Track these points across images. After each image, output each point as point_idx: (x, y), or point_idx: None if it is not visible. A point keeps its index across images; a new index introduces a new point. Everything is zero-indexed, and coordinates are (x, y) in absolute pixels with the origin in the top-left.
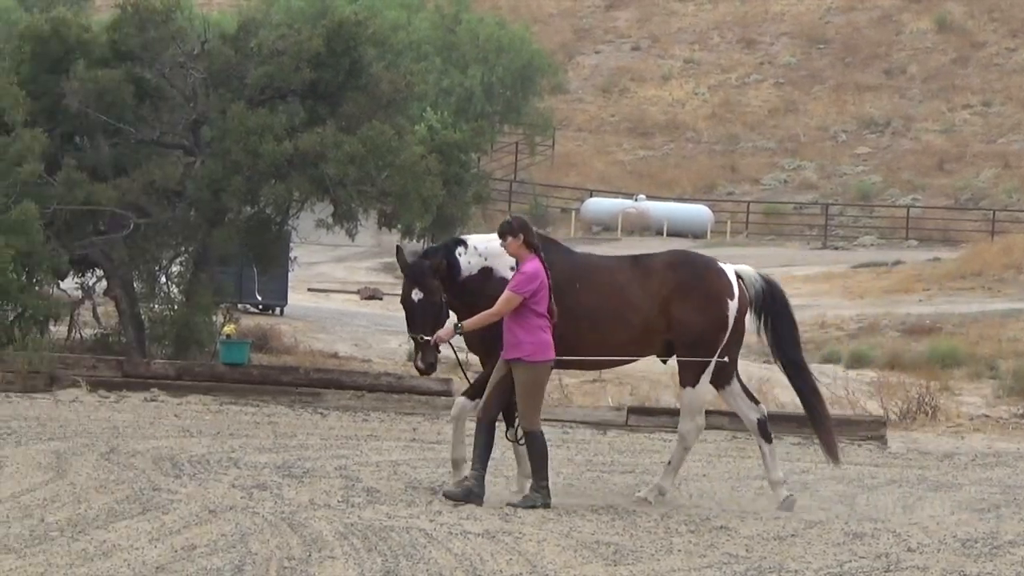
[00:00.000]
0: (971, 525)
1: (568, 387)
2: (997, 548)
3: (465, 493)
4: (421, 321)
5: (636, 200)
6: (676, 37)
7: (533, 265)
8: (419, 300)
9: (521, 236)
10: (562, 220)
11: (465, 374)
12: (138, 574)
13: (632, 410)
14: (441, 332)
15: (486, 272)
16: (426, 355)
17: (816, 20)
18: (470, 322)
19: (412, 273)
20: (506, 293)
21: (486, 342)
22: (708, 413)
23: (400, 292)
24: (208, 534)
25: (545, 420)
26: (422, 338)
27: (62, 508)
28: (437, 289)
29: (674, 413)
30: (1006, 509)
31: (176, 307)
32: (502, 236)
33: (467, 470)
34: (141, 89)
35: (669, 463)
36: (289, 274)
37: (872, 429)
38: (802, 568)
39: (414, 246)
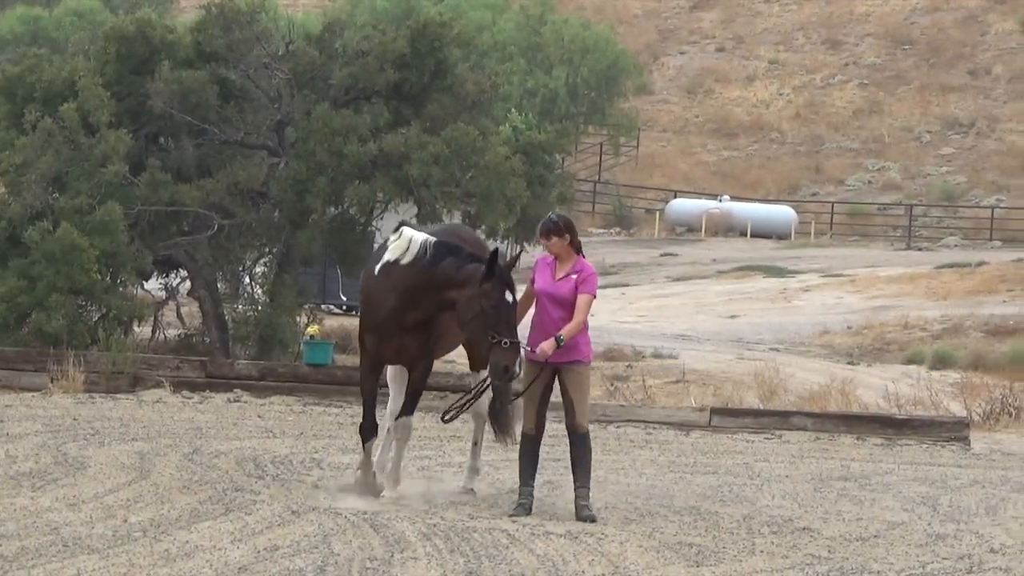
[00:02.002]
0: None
1: (652, 388)
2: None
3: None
4: (515, 324)
5: (720, 201)
6: (761, 38)
7: (591, 266)
8: (512, 302)
9: (567, 236)
10: (646, 221)
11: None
12: (220, 574)
13: (715, 411)
14: (544, 345)
15: None
16: (515, 358)
17: (901, 21)
18: (567, 331)
19: (507, 276)
20: (586, 296)
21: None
22: (790, 414)
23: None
24: (291, 535)
25: (628, 421)
26: (507, 343)
27: (145, 508)
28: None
29: (758, 414)
30: None
31: (260, 308)
32: (547, 235)
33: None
34: (225, 90)
35: None
36: None
37: (955, 430)
38: (884, 569)
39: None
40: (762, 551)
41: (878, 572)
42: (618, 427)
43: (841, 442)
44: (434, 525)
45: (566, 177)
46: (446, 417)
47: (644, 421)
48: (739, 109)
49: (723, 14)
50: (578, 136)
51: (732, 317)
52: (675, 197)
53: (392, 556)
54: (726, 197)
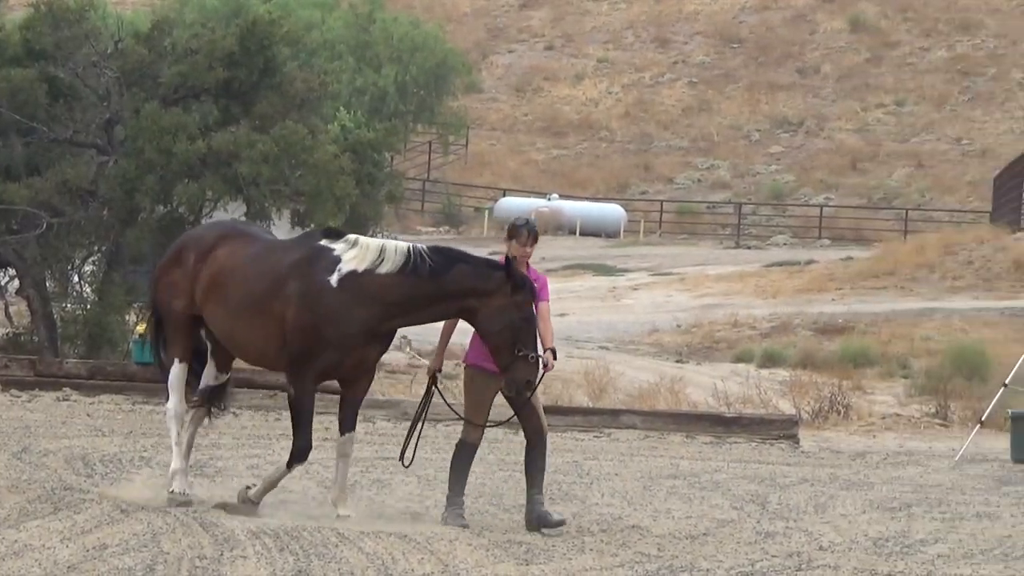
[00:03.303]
0: (882, 524)
1: None
2: (908, 547)
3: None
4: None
5: (549, 199)
6: (590, 36)
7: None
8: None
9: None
10: (475, 219)
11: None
12: (49, 574)
13: (544, 409)
14: (550, 358)
15: None
16: (536, 372)
17: (730, 19)
18: (549, 339)
19: (532, 287)
20: (546, 304)
21: None
22: (620, 412)
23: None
24: (120, 533)
25: (459, 419)
26: (533, 356)
27: None
28: None
29: (587, 412)
30: (917, 508)
31: (89, 306)
32: (534, 241)
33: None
34: (54, 88)
35: None
36: None
37: (784, 428)
38: (714, 567)
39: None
40: (592, 549)
41: (707, 570)
42: (447, 426)
43: (670, 440)
44: (264, 524)
45: (395, 175)
46: (407, 462)
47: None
48: (568, 108)
49: (552, 12)
50: (407, 134)
51: (561, 315)
52: (504, 195)
53: (222, 555)
54: (555, 195)
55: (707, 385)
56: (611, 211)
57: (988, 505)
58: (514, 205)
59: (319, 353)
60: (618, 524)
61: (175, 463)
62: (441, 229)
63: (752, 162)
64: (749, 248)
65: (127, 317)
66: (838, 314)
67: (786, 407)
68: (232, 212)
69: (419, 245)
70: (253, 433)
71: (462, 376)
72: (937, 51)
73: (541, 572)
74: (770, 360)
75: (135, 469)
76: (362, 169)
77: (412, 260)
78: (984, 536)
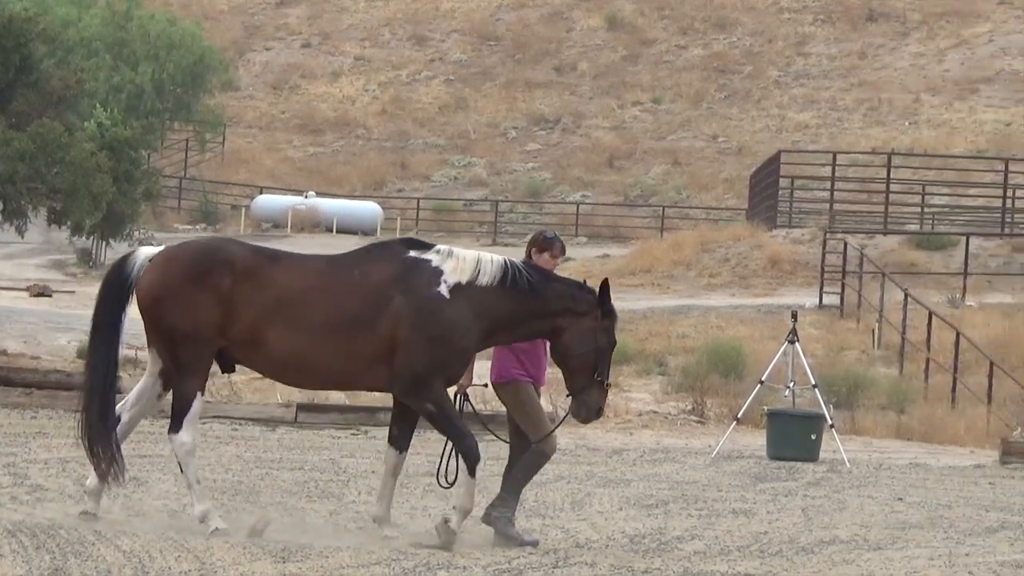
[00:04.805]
0: (639, 521)
1: (237, 384)
2: (665, 543)
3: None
4: None
5: (306, 197)
6: (346, 34)
7: None
8: None
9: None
10: (232, 217)
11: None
12: None
13: (301, 407)
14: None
15: None
16: (605, 399)
17: (487, 17)
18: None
19: (615, 311)
20: None
21: None
22: (376, 410)
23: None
24: None
25: (214, 417)
26: (608, 384)
27: None
28: None
29: (344, 410)
30: (674, 505)
31: None
32: (562, 252)
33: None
34: None
35: None
36: None
37: None
38: (471, 564)
39: None
40: (348, 547)
41: (464, 567)
42: (204, 423)
43: (427, 438)
44: (19, 522)
45: (152, 173)
46: (449, 480)
47: (230, 417)
48: (325, 105)
49: (309, 10)
50: (164, 132)
51: None
52: (261, 193)
53: None
54: (312, 193)
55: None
56: (368, 209)
57: (744, 502)
58: (271, 203)
59: (446, 366)
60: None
61: (203, 505)
62: (198, 227)
63: (509, 160)
64: (506, 246)
65: None
66: None
67: (544, 405)
68: None
69: (509, 258)
70: (9, 432)
71: (498, 393)
72: (694, 49)
73: (298, 570)
74: None
75: None
76: (119, 167)
77: (511, 274)
78: (740, 532)
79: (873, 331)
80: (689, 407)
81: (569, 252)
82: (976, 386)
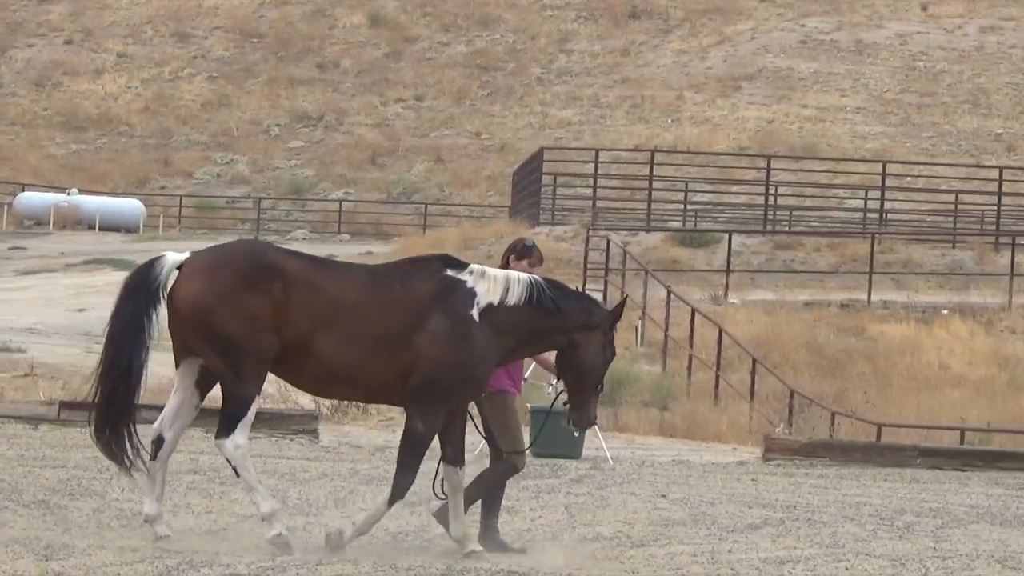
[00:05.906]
0: (402, 518)
1: None
2: (428, 541)
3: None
4: None
5: (69, 194)
6: (109, 31)
7: None
8: None
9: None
10: None
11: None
12: None
13: (64, 404)
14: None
15: None
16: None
17: (250, 14)
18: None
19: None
20: None
21: None
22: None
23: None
24: None
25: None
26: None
27: None
28: None
29: None
30: (436, 503)
31: None
32: (534, 258)
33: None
34: None
35: None
36: None
37: (304, 423)
38: (234, 562)
39: None
40: (112, 544)
41: (227, 565)
42: None
43: (190, 435)
44: None
45: None
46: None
47: None
48: (88, 102)
49: (72, 7)
50: None
51: (81, 310)
52: (23, 190)
53: None
54: (75, 190)
55: None
56: (130, 206)
57: (508, 499)
58: (33, 200)
59: (462, 390)
60: (138, 519)
61: (269, 504)
62: None
63: (272, 157)
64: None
65: None
66: None
67: (306, 402)
68: None
69: (534, 276)
70: None
71: (483, 402)
72: (456, 46)
73: (61, 568)
74: None
75: None
76: None
77: (535, 292)
78: (504, 530)
79: (636, 328)
80: None
81: (332, 249)
82: (739, 383)
